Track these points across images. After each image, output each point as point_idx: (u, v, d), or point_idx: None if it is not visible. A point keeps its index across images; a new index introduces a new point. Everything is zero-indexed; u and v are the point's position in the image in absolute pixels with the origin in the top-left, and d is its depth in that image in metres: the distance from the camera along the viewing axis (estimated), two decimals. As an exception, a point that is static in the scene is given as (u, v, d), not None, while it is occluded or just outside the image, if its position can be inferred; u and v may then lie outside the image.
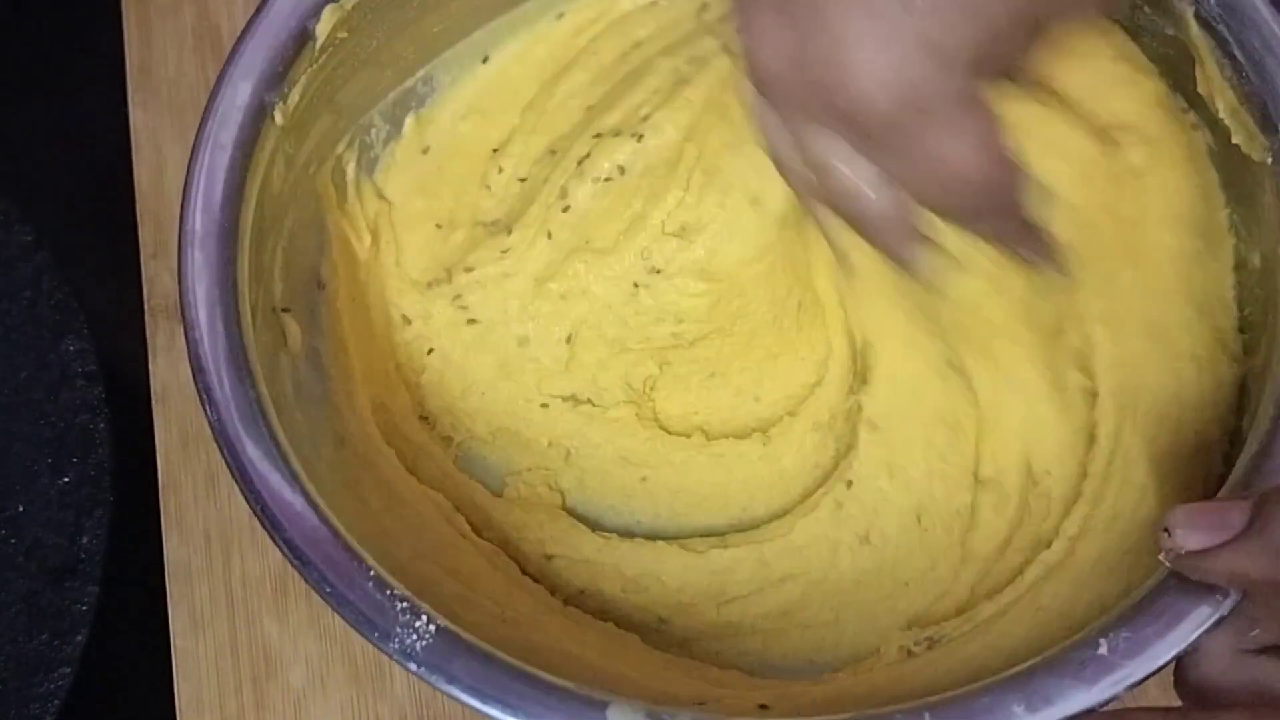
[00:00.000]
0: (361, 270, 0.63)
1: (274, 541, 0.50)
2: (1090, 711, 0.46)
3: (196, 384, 0.52)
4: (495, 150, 0.66)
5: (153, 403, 0.67)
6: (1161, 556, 0.46)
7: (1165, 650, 0.47)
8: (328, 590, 0.49)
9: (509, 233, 0.63)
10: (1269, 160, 0.55)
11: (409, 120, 0.65)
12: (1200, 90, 0.58)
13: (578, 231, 0.62)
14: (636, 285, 0.62)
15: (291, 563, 0.49)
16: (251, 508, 0.50)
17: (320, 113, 0.60)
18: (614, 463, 0.63)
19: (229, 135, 0.55)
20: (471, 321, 0.63)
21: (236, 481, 0.51)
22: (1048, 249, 0.54)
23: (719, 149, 0.60)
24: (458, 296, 0.63)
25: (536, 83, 0.66)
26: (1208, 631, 0.47)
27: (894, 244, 0.54)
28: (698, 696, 0.52)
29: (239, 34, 0.57)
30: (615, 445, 0.63)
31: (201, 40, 0.73)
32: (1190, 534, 0.45)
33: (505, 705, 0.47)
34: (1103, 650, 0.47)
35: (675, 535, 0.61)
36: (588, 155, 0.62)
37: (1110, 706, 0.46)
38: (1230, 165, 0.58)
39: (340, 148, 0.63)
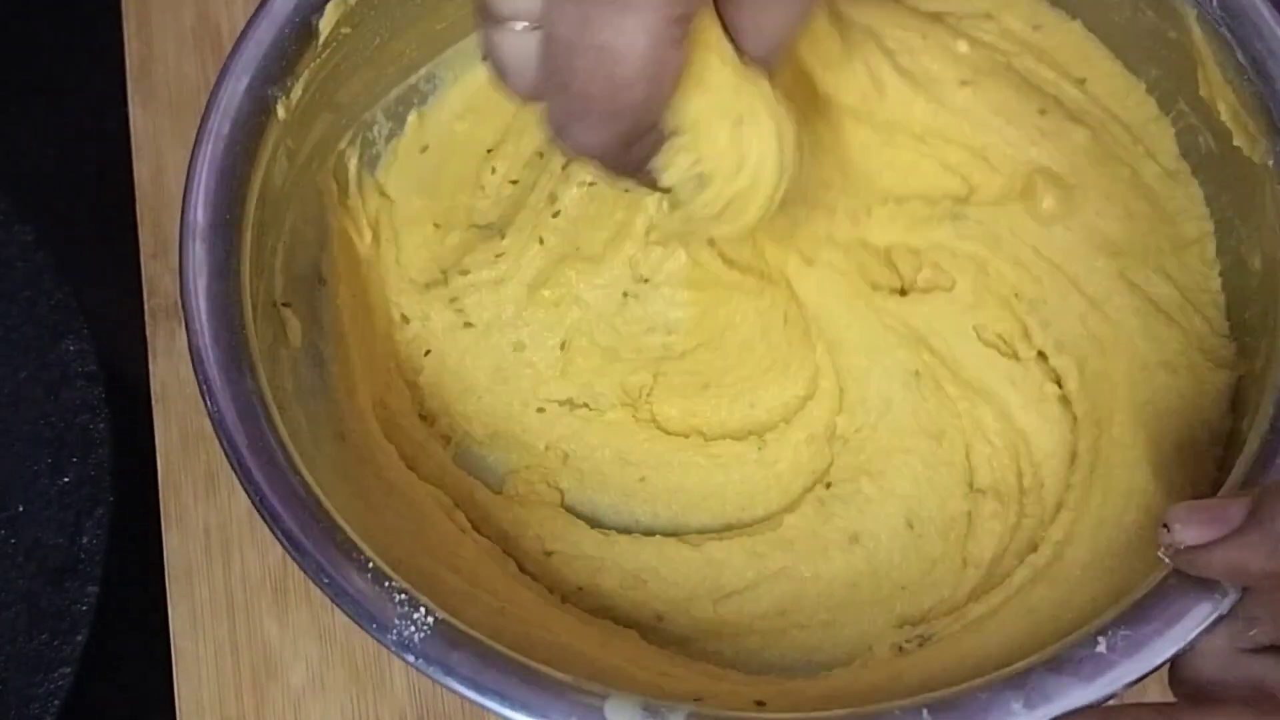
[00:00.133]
0: (362, 267, 0.63)
1: (272, 532, 0.50)
2: (1088, 708, 0.46)
3: (196, 375, 0.52)
4: (489, 150, 0.66)
5: (153, 403, 0.67)
6: (1161, 552, 0.46)
7: (1164, 649, 0.47)
8: (326, 581, 0.49)
9: (502, 236, 0.63)
10: (1270, 163, 0.55)
11: (411, 118, 0.66)
12: (1202, 93, 0.58)
13: (568, 237, 0.62)
14: (626, 295, 0.62)
15: (290, 553, 0.49)
16: (250, 498, 0.50)
17: (323, 108, 0.60)
18: (612, 463, 0.63)
19: (231, 129, 0.56)
20: (468, 325, 0.64)
21: (235, 472, 0.51)
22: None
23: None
24: (454, 299, 0.63)
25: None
26: (1207, 630, 0.46)
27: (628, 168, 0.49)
28: (695, 691, 0.52)
29: (241, 30, 0.57)
30: (613, 447, 0.63)
31: (201, 40, 0.74)
32: (1189, 529, 0.45)
33: (503, 697, 0.47)
34: (1101, 648, 0.47)
35: (674, 535, 0.61)
36: (570, 159, 0.63)
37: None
38: (1231, 167, 0.58)
39: (343, 144, 0.63)
